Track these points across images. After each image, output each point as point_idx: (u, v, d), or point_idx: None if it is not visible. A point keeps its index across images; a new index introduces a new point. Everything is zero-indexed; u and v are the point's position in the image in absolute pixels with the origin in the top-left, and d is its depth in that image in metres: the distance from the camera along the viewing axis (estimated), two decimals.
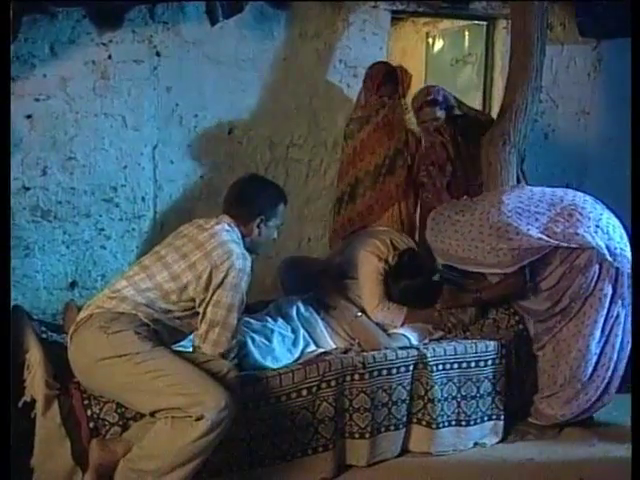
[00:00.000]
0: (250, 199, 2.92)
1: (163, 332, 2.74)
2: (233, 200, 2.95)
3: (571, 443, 3.35)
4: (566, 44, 4.84)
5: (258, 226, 2.89)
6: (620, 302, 3.23)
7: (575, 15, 4.74)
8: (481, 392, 3.25)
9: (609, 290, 3.21)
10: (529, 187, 3.54)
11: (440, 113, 3.93)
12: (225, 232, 2.80)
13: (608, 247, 3.18)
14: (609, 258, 3.17)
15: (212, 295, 2.71)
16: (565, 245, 3.19)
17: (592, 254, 3.18)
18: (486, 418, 3.29)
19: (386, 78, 3.96)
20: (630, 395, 2.52)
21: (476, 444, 3.29)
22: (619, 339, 3.26)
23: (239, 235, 2.86)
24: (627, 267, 3.17)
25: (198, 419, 2.50)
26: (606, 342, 3.26)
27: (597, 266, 3.20)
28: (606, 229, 3.22)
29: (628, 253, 3.19)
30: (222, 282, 2.70)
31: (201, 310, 2.74)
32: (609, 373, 3.28)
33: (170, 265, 2.74)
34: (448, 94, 4.01)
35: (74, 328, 2.73)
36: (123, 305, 2.70)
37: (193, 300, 2.74)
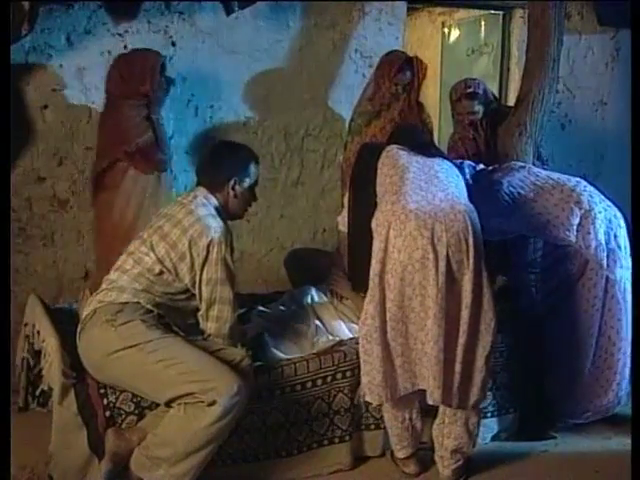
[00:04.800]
0: (219, 163, 2.94)
1: (169, 315, 2.77)
2: (203, 168, 2.99)
3: (586, 435, 3.34)
4: (584, 33, 4.80)
5: (233, 188, 2.89)
6: (612, 295, 3.19)
7: (594, 3, 4.69)
8: (497, 384, 3.24)
9: (600, 282, 3.18)
10: (536, 169, 3.49)
11: (478, 107, 3.91)
12: (202, 207, 2.82)
13: (594, 246, 3.17)
14: (593, 259, 3.16)
15: (201, 274, 2.74)
16: (550, 241, 3.25)
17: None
18: (496, 412, 3.28)
19: (405, 66, 3.92)
20: None
21: (494, 437, 3.29)
22: (616, 333, 3.20)
23: (216, 205, 2.88)
24: (616, 266, 3.17)
25: (210, 404, 2.53)
26: (600, 335, 3.22)
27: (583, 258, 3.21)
28: (599, 226, 3.19)
29: (622, 252, 3.20)
30: (206, 259, 2.73)
31: (196, 291, 2.77)
32: (613, 369, 3.23)
33: (154, 247, 2.77)
34: (488, 89, 3.98)
35: (81, 326, 2.76)
36: (124, 295, 2.72)
37: (183, 282, 2.77)
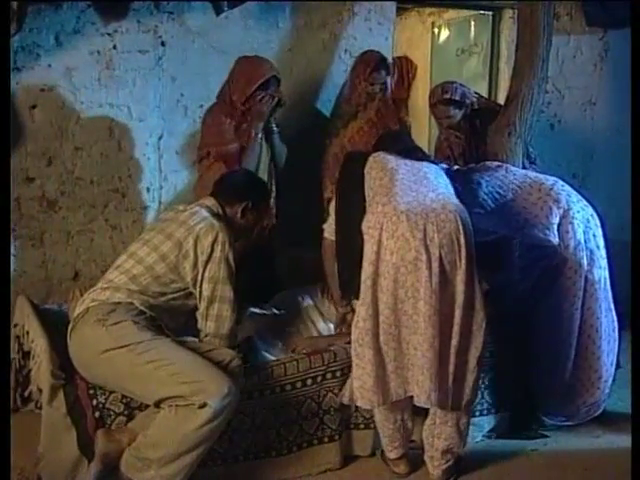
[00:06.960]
0: (240, 184, 3.05)
1: (162, 317, 2.78)
2: (222, 183, 3.07)
3: (575, 434, 3.35)
4: (573, 34, 4.81)
5: (243, 209, 2.97)
6: (592, 294, 3.20)
7: (582, 4, 4.71)
8: (486, 383, 3.25)
9: (579, 281, 3.18)
10: (513, 169, 3.48)
11: (454, 112, 3.92)
12: (205, 209, 2.89)
13: (573, 246, 3.17)
14: (572, 258, 3.17)
15: (203, 272, 2.77)
16: (529, 241, 3.24)
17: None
18: (486, 411, 3.29)
19: (380, 65, 3.94)
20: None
21: (484, 436, 3.30)
22: (595, 332, 3.22)
23: (221, 215, 2.93)
24: (595, 266, 3.18)
25: (201, 407, 2.53)
26: (580, 334, 3.22)
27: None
28: (578, 225, 3.20)
29: (600, 252, 3.22)
30: (210, 257, 2.76)
31: (197, 289, 2.79)
32: (594, 367, 3.24)
33: (157, 246, 2.80)
34: (467, 91, 3.98)
35: (72, 324, 2.76)
36: (118, 295, 2.73)
37: (184, 280, 2.79)
